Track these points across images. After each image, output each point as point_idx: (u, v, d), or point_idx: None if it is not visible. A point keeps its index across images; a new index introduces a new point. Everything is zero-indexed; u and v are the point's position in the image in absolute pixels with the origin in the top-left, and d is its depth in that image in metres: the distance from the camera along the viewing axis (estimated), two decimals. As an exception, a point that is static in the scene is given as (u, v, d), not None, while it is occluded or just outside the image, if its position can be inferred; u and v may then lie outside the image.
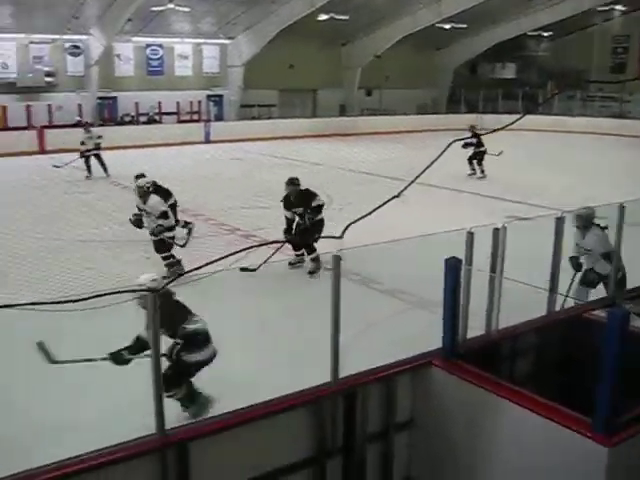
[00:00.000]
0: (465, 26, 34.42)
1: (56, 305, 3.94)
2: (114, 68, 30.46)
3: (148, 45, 31.26)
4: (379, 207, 4.52)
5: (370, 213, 4.45)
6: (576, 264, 7.36)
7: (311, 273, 9.59)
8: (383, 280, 9.27)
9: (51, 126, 26.86)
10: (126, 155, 24.35)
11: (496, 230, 5.19)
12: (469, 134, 18.21)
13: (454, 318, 4.83)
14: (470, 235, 4.88)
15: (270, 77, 32.38)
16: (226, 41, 32.44)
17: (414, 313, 8.13)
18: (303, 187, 9.85)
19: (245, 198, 15.45)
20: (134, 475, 3.83)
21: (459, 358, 4.80)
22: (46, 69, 28.44)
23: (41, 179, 18.47)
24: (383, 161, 22.31)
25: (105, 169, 19.02)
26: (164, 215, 9.41)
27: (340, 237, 4.33)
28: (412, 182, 4.70)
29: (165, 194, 10.47)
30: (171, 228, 9.55)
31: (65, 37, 28.55)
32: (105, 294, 4.94)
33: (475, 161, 18.93)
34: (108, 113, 30.52)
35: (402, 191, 4.63)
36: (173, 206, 10.51)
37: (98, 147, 19.06)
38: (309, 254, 9.68)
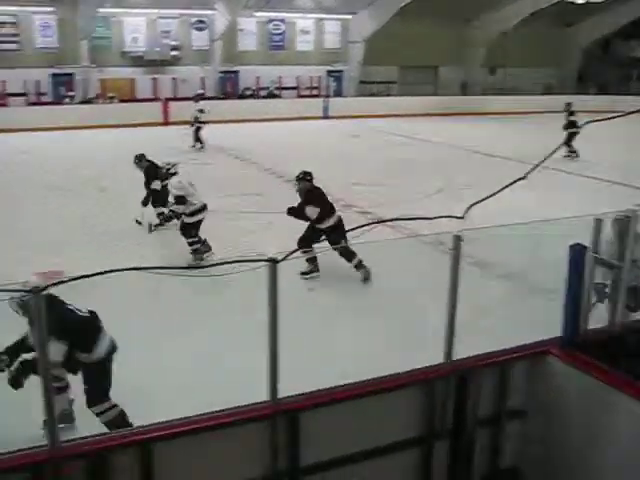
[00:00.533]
0: (601, 0, 32.58)
1: (183, 270, 4.10)
2: (237, 43, 31.16)
3: (271, 20, 31.73)
4: (504, 188, 4.38)
5: (495, 194, 4.31)
6: (603, 294, 5.27)
7: (304, 274, 8.63)
8: (499, 263, 9.07)
9: (175, 98, 27.90)
10: (246, 128, 24.96)
11: (627, 217, 4.95)
12: (565, 113, 18.04)
13: (576, 307, 4.66)
14: (598, 222, 4.68)
15: (391, 53, 32.08)
16: (348, 16, 32.38)
17: (529, 299, 7.92)
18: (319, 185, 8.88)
19: (362, 175, 15.40)
20: (247, 438, 3.97)
21: (579, 349, 4.62)
22: (172, 43, 29.55)
23: (166, 149, 19.19)
24: (505, 142, 21.69)
25: (200, 141, 19.81)
26: (179, 200, 9.07)
27: (462, 217, 4.23)
28: (540, 164, 4.53)
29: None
30: (193, 213, 9.08)
31: (191, 12, 29.53)
32: (225, 262, 5.09)
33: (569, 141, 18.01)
34: (230, 87, 31.28)
35: (529, 172, 4.47)
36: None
37: (196, 120, 19.75)
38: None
